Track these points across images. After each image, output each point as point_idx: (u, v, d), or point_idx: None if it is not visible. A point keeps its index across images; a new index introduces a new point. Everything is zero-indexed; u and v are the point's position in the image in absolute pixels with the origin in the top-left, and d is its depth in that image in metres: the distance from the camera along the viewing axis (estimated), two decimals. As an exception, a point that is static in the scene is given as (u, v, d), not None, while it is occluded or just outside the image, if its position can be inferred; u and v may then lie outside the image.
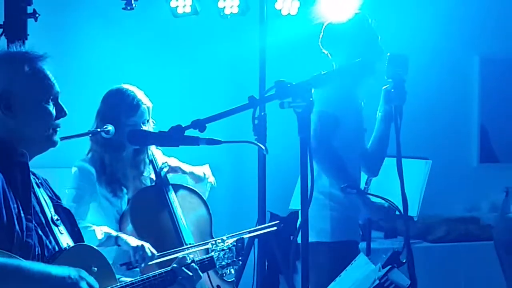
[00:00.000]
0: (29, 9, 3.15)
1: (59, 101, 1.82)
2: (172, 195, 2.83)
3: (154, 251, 2.57)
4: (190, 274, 2.15)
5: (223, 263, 2.38)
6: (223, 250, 2.38)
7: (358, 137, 2.84)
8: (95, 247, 1.89)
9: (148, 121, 2.80)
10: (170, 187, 2.86)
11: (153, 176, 2.87)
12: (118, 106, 2.75)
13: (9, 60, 1.78)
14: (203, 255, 2.65)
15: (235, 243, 2.42)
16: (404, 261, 2.01)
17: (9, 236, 1.64)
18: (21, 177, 1.74)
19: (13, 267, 1.53)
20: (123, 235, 2.61)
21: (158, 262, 2.55)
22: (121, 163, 2.78)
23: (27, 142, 1.77)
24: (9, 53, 1.80)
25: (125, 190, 2.79)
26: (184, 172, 2.94)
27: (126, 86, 2.82)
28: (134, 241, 2.58)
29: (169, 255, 2.58)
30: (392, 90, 2.58)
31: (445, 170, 4.43)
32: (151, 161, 2.87)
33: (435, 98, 4.78)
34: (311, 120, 2.51)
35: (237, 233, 2.54)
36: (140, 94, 2.80)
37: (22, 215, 1.69)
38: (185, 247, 2.66)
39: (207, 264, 2.35)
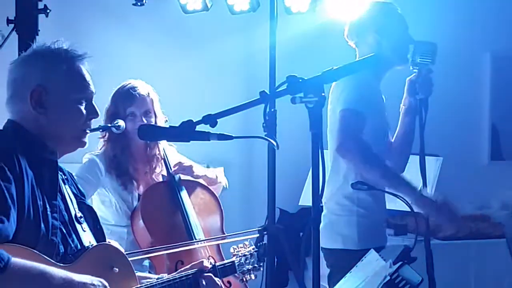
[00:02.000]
0: (40, 5, 3.16)
1: (93, 102, 1.82)
2: (183, 191, 2.83)
3: None
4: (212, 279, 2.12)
5: (244, 268, 2.37)
6: (244, 255, 2.36)
7: (382, 133, 2.69)
8: (117, 246, 1.89)
9: (150, 113, 2.78)
10: (182, 183, 2.86)
11: (164, 172, 2.87)
12: (117, 98, 2.76)
13: (47, 56, 1.77)
14: (215, 251, 2.65)
15: (257, 249, 2.40)
16: (415, 257, 1.99)
17: (35, 233, 1.64)
18: (49, 175, 1.74)
19: (37, 271, 1.54)
20: None
21: (169, 255, 2.56)
22: (131, 156, 2.78)
23: (57, 140, 1.77)
24: (48, 49, 1.79)
25: (135, 185, 2.79)
26: (197, 176, 2.91)
27: (131, 80, 2.83)
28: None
29: (179, 247, 2.58)
30: (418, 81, 2.49)
31: (456, 167, 4.41)
32: (163, 157, 2.88)
33: (446, 95, 4.74)
34: (336, 119, 2.47)
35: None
36: (139, 84, 2.79)
37: (48, 212, 1.69)
38: (194, 241, 2.67)
39: (229, 269, 2.34)
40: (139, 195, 2.80)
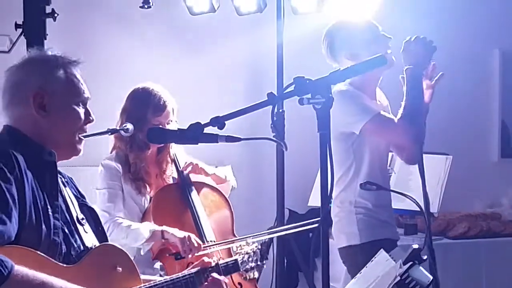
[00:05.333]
0: (48, 9, 3.17)
1: (87, 106, 1.87)
2: (194, 193, 2.84)
3: (200, 241, 2.60)
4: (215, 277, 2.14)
5: (247, 266, 2.37)
6: (247, 253, 2.37)
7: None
8: (119, 246, 1.90)
9: (171, 121, 2.82)
10: (192, 185, 2.87)
11: (175, 174, 2.88)
12: (145, 105, 2.76)
13: (45, 62, 1.83)
14: (225, 252, 2.66)
15: (259, 246, 2.41)
16: (425, 258, 1.98)
17: (37, 234, 1.66)
18: (49, 176, 1.76)
19: (38, 281, 1.54)
20: (168, 228, 2.63)
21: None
22: (145, 161, 2.80)
23: (54, 145, 1.80)
24: (45, 55, 1.86)
25: (148, 189, 2.81)
26: (206, 174, 2.94)
27: (151, 85, 2.84)
28: (180, 233, 2.60)
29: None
30: (402, 53, 2.49)
31: (466, 165, 4.39)
32: (173, 160, 2.89)
33: (455, 93, 4.73)
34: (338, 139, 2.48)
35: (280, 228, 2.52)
36: (166, 94, 2.81)
37: (50, 213, 1.71)
38: (207, 245, 2.68)
39: (231, 267, 2.35)
40: (150, 197, 2.81)
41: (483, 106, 4.94)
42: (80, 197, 1.91)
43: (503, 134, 4.95)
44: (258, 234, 2.65)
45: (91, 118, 1.87)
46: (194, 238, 2.59)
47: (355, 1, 3.79)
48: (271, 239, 2.79)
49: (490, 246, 4.02)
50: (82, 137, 1.86)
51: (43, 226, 1.67)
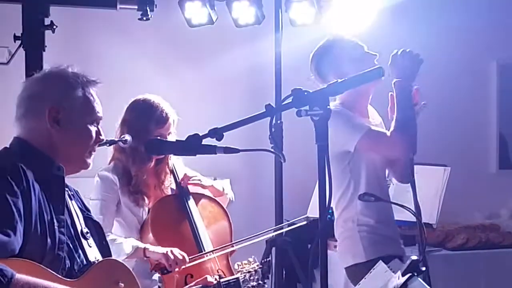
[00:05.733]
0: (47, 21, 3.18)
1: (99, 126, 1.90)
2: (192, 204, 2.84)
3: (184, 254, 2.59)
4: None
5: (249, 285, 2.37)
6: (249, 272, 2.36)
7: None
8: (121, 260, 1.91)
9: (171, 134, 2.82)
10: (190, 196, 2.86)
11: (173, 185, 2.88)
12: (147, 117, 2.75)
13: (64, 78, 1.86)
14: (224, 265, 2.65)
15: (261, 265, 2.40)
16: (423, 269, 1.98)
17: (42, 247, 1.66)
18: (56, 190, 1.77)
19: (42, 287, 1.55)
20: (150, 246, 2.62)
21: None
22: (146, 173, 2.80)
23: (64, 159, 1.82)
24: (65, 71, 1.88)
25: (146, 200, 2.80)
26: (203, 187, 2.93)
27: (152, 96, 2.83)
28: (161, 249, 2.60)
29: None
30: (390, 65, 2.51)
31: (464, 177, 4.39)
32: (171, 171, 2.89)
33: (453, 105, 4.75)
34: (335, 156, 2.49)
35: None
36: (167, 107, 2.82)
37: (56, 227, 1.72)
38: (205, 252, 2.68)
39: (233, 285, 2.33)
40: (148, 209, 2.81)
41: (481, 118, 4.96)
42: (85, 211, 1.93)
43: (501, 145, 4.96)
44: (251, 237, 2.64)
45: (101, 137, 1.90)
46: (178, 251, 2.58)
47: (352, 13, 3.81)
48: (270, 259, 2.79)
49: (489, 257, 4.02)
50: (91, 153, 1.89)
51: (48, 240, 1.68)
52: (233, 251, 2.84)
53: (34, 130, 1.79)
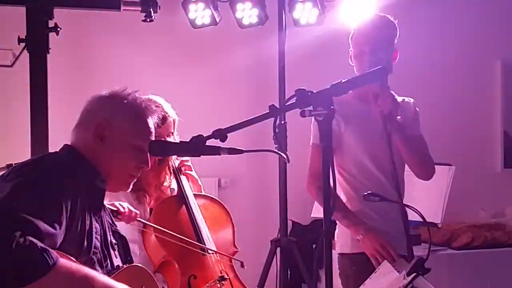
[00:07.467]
0: (51, 23, 3.19)
1: (147, 154, 1.91)
2: (194, 205, 2.84)
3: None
4: None
5: None
6: None
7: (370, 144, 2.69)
8: (146, 269, 1.96)
9: (172, 133, 2.83)
10: (193, 197, 2.87)
11: (173, 185, 2.89)
12: None
13: (121, 99, 1.90)
14: (228, 265, 2.64)
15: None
16: (429, 268, 1.98)
17: (78, 247, 1.71)
18: (95, 200, 1.83)
19: (81, 274, 1.58)
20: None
21: (181, 270, 2.56)
22: (146, 172, 2.80)
23: (106, 174, 1.86)
24: (125, 94, 1.92)
25: (148, 199, 2.82)
26: (191, 171, 2.96)
27: (153, 97, 2.85)
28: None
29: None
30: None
31: (469, 176, 4.39)
32: (173, 171, 2.89)
33: (458, 104, 4.74)
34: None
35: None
36: (167, 107, 2.83)
37: (93, 232, 1.77)
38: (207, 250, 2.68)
39: None
40: (150, 209, 2.82)
41: (485, 117, 4.95)
42: (113, 225, 1.98)
43: (505, 144, 4.95)
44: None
45: (146, 165, 1.92)
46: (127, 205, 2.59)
47: (356, 12, 3.81)
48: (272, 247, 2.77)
49: (494, 256, 4.01)
50: (133, 177, 1.91)
51: (85, 242, 1.73)
52: (236, 251, 2.84)
53: (81, 139, 1.86)
